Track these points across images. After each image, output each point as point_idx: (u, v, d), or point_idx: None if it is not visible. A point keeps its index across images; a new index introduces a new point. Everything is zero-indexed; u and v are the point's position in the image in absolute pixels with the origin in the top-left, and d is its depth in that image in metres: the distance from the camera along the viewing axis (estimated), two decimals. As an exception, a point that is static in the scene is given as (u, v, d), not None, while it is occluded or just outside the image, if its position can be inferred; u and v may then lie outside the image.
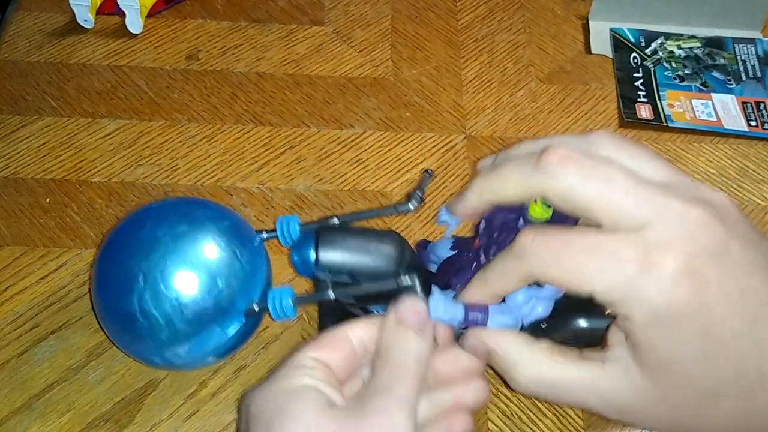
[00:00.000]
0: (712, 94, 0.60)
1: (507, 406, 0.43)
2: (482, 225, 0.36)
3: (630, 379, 0.31)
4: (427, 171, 0.42)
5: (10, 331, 0.45)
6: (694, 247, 0.28)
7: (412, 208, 0.41)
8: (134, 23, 0.60)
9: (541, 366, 0.32)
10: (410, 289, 0.37)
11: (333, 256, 0.39)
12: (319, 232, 0.40)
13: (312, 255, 0.39)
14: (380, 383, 0.31)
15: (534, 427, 0.43)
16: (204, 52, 0.60)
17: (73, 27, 0.61)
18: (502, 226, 0.35)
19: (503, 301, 0.35)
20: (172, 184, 0.52)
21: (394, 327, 0.33)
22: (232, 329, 0.39)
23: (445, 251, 0.40)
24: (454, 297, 0.36)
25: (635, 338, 0.30)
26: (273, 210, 0.51)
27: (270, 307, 0.39)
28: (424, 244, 0.43)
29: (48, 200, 0.51)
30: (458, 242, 0.40)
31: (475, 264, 0.37)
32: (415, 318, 0.33)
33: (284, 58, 0.60)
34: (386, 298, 0.38)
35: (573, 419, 0.43)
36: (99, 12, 0.61)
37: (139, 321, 0.37)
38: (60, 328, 0.45)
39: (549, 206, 0.32)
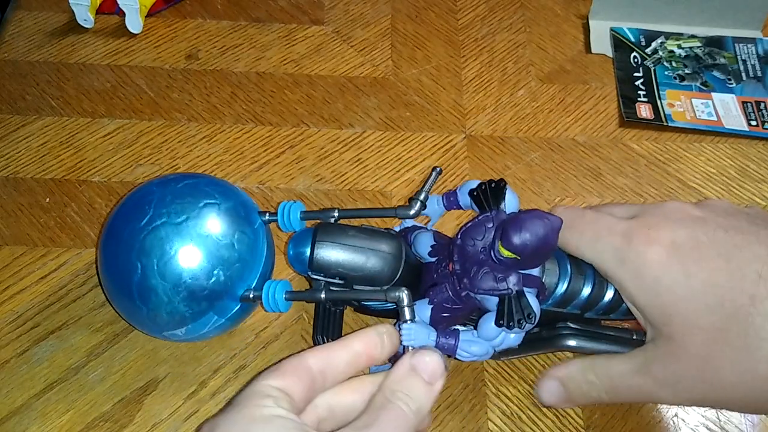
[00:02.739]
0: (713, 94, 0.59)
1: (507, 406, 0.43)
2: (455, 252, 0.38)
3: (657, 347, 0.35)
4: (435, 168, 0.43)
5: (9, 330, 0.45)
6: (670, 219, 0.36)
7: (412, 213, 0.42)
8: (134, 23, 0.60)
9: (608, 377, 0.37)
10: (399, 303, 0.37)
11: (327, 257, 0.39)
12: (317, 231, 0.39)
13: (307, 253, 0.39)
14: (375, 423, 0.31)
15: (534, 427, 0.43)
16: (204, 52, 0.60)
17: (72, 26, 0.61)
18: (473, 259, 0.37)
19: (475, 328, 0.37)
20: (172, 184, 0.52)
21: (407, 372, 0.33)
22: (227, 312, 0.40)
23: (424, 251, 0.41)
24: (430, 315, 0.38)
25: (637, 303, 0.35)
26: (273, 209, 0.51)
27: (263, 298, 0.39)
28: (410, 230, 0.43)
29: (48, 200, 0.51)
30: (437, 247, 0.40)
31: (449, 285, 0.38)
32: (431, 369, 0.33)
33: (284, 57, 0.60)
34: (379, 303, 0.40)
35: (573, 419, 0.43)
36: (99, 11, 0.61)
37: (137, 304, 0.38)
38: (60, 327, 0.45)
39: None
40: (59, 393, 0.43)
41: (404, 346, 0.36)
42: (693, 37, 0.63)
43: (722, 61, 0.62)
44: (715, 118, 0.58)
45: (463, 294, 0.38)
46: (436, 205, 0.43)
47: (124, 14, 0.60)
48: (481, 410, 0.43)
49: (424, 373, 0.33)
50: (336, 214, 0.42)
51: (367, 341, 0.34)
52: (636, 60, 0.62)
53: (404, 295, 0.37)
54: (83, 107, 0.56)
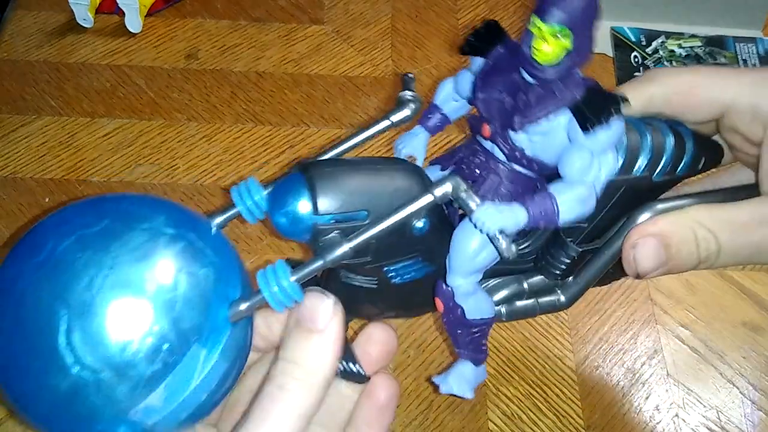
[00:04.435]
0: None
1: (507, 406, 0.43)
2: (482, 111, 0.31)
3: None
4: (406, 74, 0.34)
5: (9, 331, 0.45)
6: None
7: (410, 112, 0.33)
8: (133, 22, 0.60)
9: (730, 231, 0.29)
10: (457, 192, 0.29)
11: (336, 186, 0.29)
12: (303, 168, 0.30)
13: (303, 202, 0.29)
14: (261, 405, 0.26)
15: (534, 427, 0.43)
16: (203, 52, 0.60)
17: (72, 26, 0.60)
18: (507, 106, 0.30)
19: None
20: (172, 184, 0.52)
21: (294, 329, 0.27)
22: (216, 350, 0.26)
23: (436, 177, 0.32)
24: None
25: None
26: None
27: (266, 296, 0.27)
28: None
29: (47, 200, 0.51)
30: (448, 157, 0.33)
31: (492, 164, 0.31)
32: (308, 315, 0.27)
33: (284, 57, 0.60)
34: (412, 243, 0.31)
35: (573, 419, 0.43)
36: (98, 11, 0.61)
37: (78, 383, 0.25)
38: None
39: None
40: (59, 393, 0.43)
41: (490, 236, 0.28)
42: (693, 36, 0.63)
43: (723, 60, 0.62)
44: (715, 118, 0.58)
45: (517, 153, 0.30)
46: (418, 136, 0.35)
47: (123, 14, 0.60)
48: (482, 410, 0.43)
49: (304, 322, 0.27)
50: (305, 162, 0.31)
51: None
52: (636, 60, 0.62)
53: (454, 181, 0.28)
54: (83, 107, 0.56)
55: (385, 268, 0.32)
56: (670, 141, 0.32)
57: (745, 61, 0.62)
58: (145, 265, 0.25)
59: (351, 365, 0.33)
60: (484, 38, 0.31)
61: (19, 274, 0.26)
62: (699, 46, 0.63)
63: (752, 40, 0.63)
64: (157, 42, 0.60)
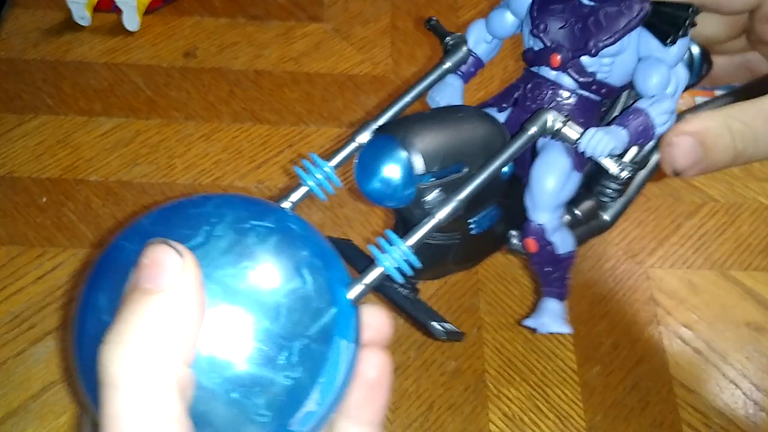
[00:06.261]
0: (716, 92, 0.59)
1: (508, 407, 0.43)
2: (547, 40, 0.31)
3: None
4: (430, 20, 0.35)
5: (6, 331, 0.44)
6: None
7: (462, 54, 0.33)
8: (131, 20, 0.60)
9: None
10: (559, 126, 0.28)
11: (434, 149, 0.27)
12: (398, 135, 0.28)
13: (405, 168, 0.27)
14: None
15: (536, 429, 0.42)
16: (201, 50, 0.60)
17: (69, 24, 0.60)
18: (573, 28, 0.30)
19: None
20: (170, 183, 0.52)
21: (129, 293, 0.21)
22: (352, 337, 0.24)
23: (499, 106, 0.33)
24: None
25: None
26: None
27: (386, 266, 0.25)
28: None
29: (44, 199, 0.50)
30: (501, 98, 0.33)
31: (568, 92, 0.31)
32: (163, 275, 0.21)
33: (283, 55, 0.60)
34: (496, 190, 0.30)
35: (575, 420, 0.43)
36: (96, 9, 0.61)
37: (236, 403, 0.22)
38: (57, 328, 0.45)
39: None
40: (56, 394, 0.42)
41: (600, 159, 0.28)
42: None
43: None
44: (717, 117, 0.57)
45: (591, 80, 0.30)
46: (453, 84, 0.34)
47: (121, 12, 0.59)
48: (483, 412, 0.43)
49: (140, 282, 0.20)
50: (366, 132, 0.29)
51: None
52: (638, 58, 0.61)
53: (552, 113, 0.28)
54: (80, 106, 0.56)
55: (469, 220, 0.31)
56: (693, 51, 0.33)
57: (747, 59, 0.61)
58: (265, 269, 0.22)
59: (446, 325, 0.30)
60: None
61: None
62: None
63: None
64: (154, 40, 0.60)
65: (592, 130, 0.28)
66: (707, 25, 0.35)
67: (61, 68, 0.58)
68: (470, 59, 0.34)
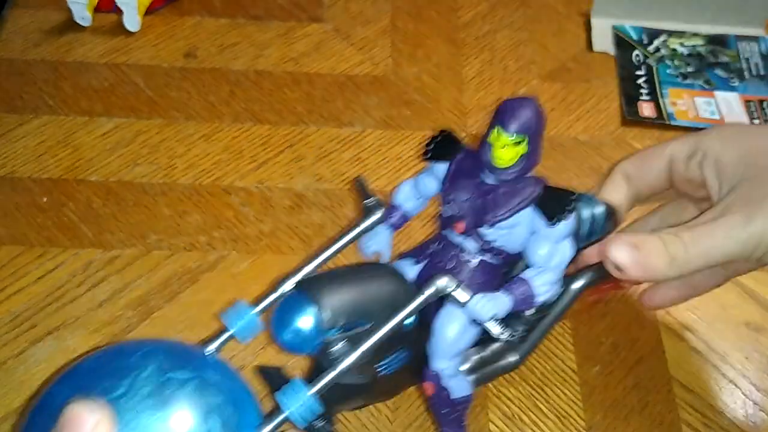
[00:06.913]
0: (715, 92, 0.59)
1: (508, 407, 0.43)
2: (454, 208, 0.35)
3: (736, 191, 0.35)
4: (358, 179, 0.39)
5: (7, 331, 0.44)
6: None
7: (377, 217, 0.37)
8: (132, 21, 0.60)
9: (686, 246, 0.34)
10: (450, 290, 0.32)
11: (339, 301, 0.31)
12: (304, 288, 0.32)
13: (313, 322, 0.31)
14: None
15: (535, 428, 0.42)
16: (202, 50, 0.60)
17: (70, 25, 0.60)
18: (477, 202, 0.34)
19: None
20: (170, 183, 0.52)
21: None
22: None
23: (409, 269, 0.37)
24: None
25: (722, 160, 0.37)
26: (272, 209, 0.51)
27: (290, 414, 0.29)
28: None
29: (45, 199, 0.50)
30: (419, 250, 0.37)
31: (468, 256, 0.35)
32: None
33: (283, 55, 0.60)
34: (402, 338, 0.34)
35: (575, 420, 0.43)
36: (96, 9, 0.61)
37: None
38: (57, 328, 0.45)
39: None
40: (56, 394, 0.42)
41: (484, 323, 0.33)
42: (696, 35, 0.63)
43: (725, 59, 0.61)
44: (717, 117, 0.57)
45: (490, 247, 0.35)
46: (382, 234, 0.38)
47: (121, 12, 0.59)
48: (482, 412, 0.43)
49: None
50: (289, 282, 0.34)
51: None
52: (638, 58, 0.61)
53: (446, 278, 0.32)
54: (81, 106, 0.56)
55: (377, 365, 0.35)
56: (586, 212, 0.37)
57: (747, 59, 0.61)
58: (174, 419, 0.26)
59: (317, 422, 0.35)
60: (443, 146, 0.36)
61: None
62: (701, 45, 0.62)
63: (755, 38, 0.63)
64: (155, 40, 0.60)
65: (478, 297, 0.32)
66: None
67: (62, 68, 0.58)
68: (399, 213, 0.38)
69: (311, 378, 0.30)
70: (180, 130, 0.55)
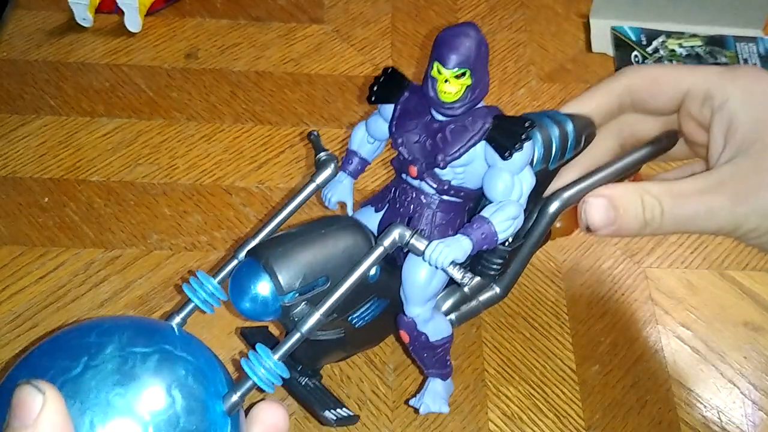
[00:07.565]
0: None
1: (507, 406, 0.43)
2: (405, 153, 0.34)
3: (737, 164, 0.33)
4: (311, 134, 0.38)
5: (8, 331, 0.45)
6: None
7: (332, 171, 0.36)
8: (133, 22, 0.60)
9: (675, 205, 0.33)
10: (407, 240, 0.31)
11: (294, 266, 0.31)
12: (257, 253, 0.32)
13: (269, 288, 0.31)
14: None
15: (534, 427, 0.43)
16: (203, 51, 0.60)
17: (71, 25, 0.60)
18: (426, 144, 0.33)
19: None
20: (171, 184, 0.52)
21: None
22: None
23: (371, 217, 0.36)
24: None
25: (737, 117, 0.34)
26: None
27: (256, 380, 0.28)
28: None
29: (46, 199, 0.51)
30: (379, 197, 0.36)
31: (425, 199, 0.34)
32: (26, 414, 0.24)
33: (284, 56, 0.60)
34: (368, 289, 0.33)
35: (574, 419, 0.43)
36: (98, 10, 0.61)
37: None
38: (58, 328, 0.45)
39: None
40: (58, 393, 0.42)
41: (444, 269, 0.31)
42: (694, 36, 0.63)
43: (723, 60, 0.62)
44: (716, 118, 0.57)
45: (445, 186, 0.34)
46: (343, 182, 0.38)
47: (123, 13, 0.59)
48: (482, 411, 0.43)
49: (11, 420, 0.24)
50: (246, 248, 0.33)
51: None
52: (637, 59, 0.61)
53: (400, 229, 0.31)
54: (82, 106, 0.56)
55: (349, 318, 0.34)
56: (555, 131, 0.36)
57: (746, 60, 0.62)
58: (135, 393, 0.25)
59: (339, 411, 0.35)
60: (388, 86, 0.35)
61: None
62: (699, 46, 0.62)
63: (753, 39, 0.63)
64: (156, 41, 0.60)
65: (434, 243, 0.31)
66: (645, 127, 0.39)
67: (64, 69, 0.58)
68: (357, 159, 0.37)
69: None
70: (181, 130, 0.55)
